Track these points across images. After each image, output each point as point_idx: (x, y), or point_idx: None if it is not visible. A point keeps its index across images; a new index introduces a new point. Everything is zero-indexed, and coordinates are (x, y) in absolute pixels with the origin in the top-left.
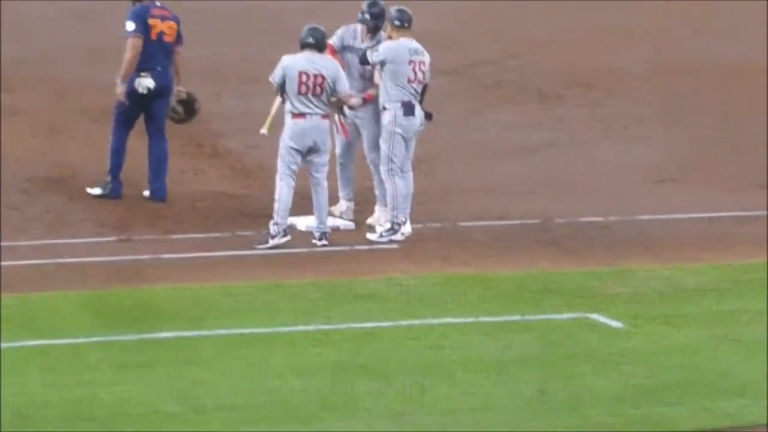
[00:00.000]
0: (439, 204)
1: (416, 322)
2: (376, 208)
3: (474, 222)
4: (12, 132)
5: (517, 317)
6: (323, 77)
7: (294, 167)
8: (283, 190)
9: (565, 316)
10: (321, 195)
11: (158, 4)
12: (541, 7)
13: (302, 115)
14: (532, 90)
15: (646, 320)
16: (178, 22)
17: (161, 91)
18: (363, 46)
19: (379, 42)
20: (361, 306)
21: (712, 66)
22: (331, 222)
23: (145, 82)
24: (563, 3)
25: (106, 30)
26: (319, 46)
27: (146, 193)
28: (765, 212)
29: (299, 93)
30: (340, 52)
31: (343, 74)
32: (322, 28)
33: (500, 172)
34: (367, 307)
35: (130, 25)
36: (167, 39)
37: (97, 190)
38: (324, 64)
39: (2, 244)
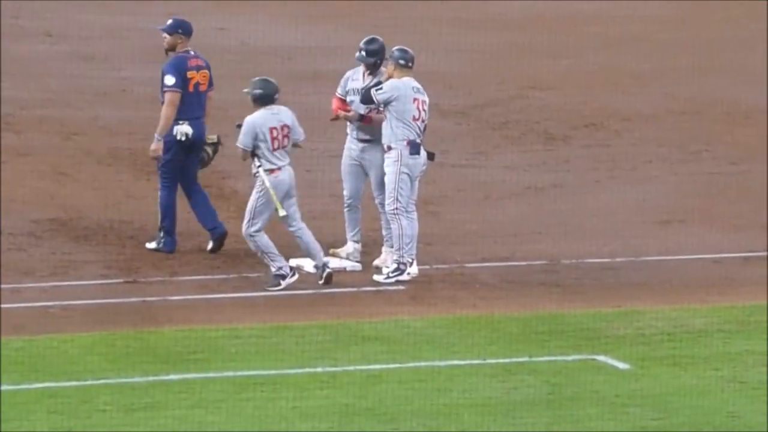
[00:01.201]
0: (445, 245)
1: (423, 364)
2: (384, 249)
3: (480, 263)
4: (18, 174)
5: (524, 359)
6: (288, 126)
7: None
8: (264, 239)
9: (571, 357)
10: (307, 236)
11: (192, 52)
12: (547, 48)
13: (279, 168)
14: (539, 131)
15: (653, 362)
16: (209, 68)
17: (196, 141)
18: (364, 85)
19: (379, 81)
20: (368, 348)
21: (718, 107)
22: (338, 263)
23: (184, 129)
24: (569, 44)
25: (112, 72)
26: (274, 96)
27: (210, 243)
28: None
29: (274, 149)
30: (344, 97)
31: (296, 121)
32: (273, 80)
33: (506, 213)
34: (374, 349)
35: (170, 80)
36: (202, 89)
37: (152, 245)
38: (283, 112)
39: (8, 286)
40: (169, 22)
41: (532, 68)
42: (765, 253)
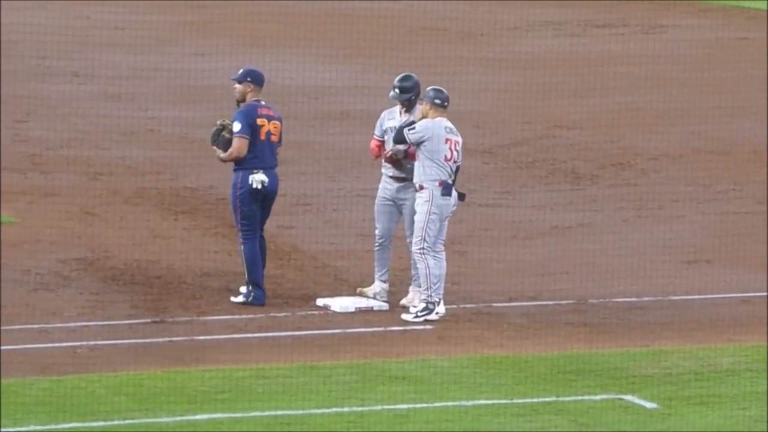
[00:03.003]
0: (472, 285)
1: (450, 404)
2: (411, 288)
3: (508, 303)
4: (46, 214)
5: (551, 399)
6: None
7: None
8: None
9: (599, 397)
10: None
11: (263, 103)
12: (575, 87)
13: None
14: (566, 170)
15: (680, 401)
16: (281, 121)
17: (270, 191)
18: (400, 122)
19: (413, 121)
20: (395, 388)
21: (745, 147)
22: (365, 303)
23: (259, 177)
24: (596, 84)
25: (139, 112)
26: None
27: (241, 297)
28: None
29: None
30: (382, 138)
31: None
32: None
33: (534, 252)
34: (401, 389)
35: (236, 126)
36: (273, 139)
37: (240, 299)
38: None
39: (36, 326)
40: (240, 71)
41: (558, 107)
42: None
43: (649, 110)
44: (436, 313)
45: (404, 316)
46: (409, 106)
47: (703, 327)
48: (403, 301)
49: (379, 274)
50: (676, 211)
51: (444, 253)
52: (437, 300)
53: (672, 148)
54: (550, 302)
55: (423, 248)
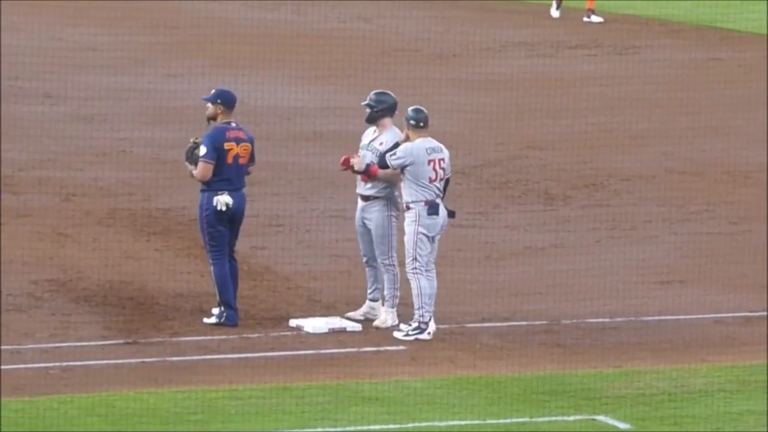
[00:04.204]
0: (445, 305)
1: (423, 425)
2: (382, 309)
3: (481, 324)
4: (18, 235)
5: (524, 420)
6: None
7: None
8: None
9: (572, 418)
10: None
11: (233, 124)
12: (548, 108)
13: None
14: (539, 191)
15: (653, 422)
16: (252, 142)
17: (237, 212)
18: (371, 138)
19: (396, 144)
20: (368, 409)
21: (718, 167)
22: (338, 324)
23: (224, 199)
24: (569, 105)
25: (112, 133)
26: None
27: (213, 317)
28: None
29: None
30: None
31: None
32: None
33: (507, 273)
34: (374, 410)
35: (203, 150)
36: (242, 161)
37: (212, 319)
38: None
39: (8, 347)
40: (212, 91)
41: (531, 128)
42: (765, 313)
43: (622, 131)
44: (428, 332)
45: (396, 334)
46: (369, 118)
47: (676, 347)
48: (376, 323)
49: (368, 291)
50: (649, 231)
51: (434, 271)
52: (428, 319)
53: (645, 169)
54: (523, 323)
55: (415, 268)
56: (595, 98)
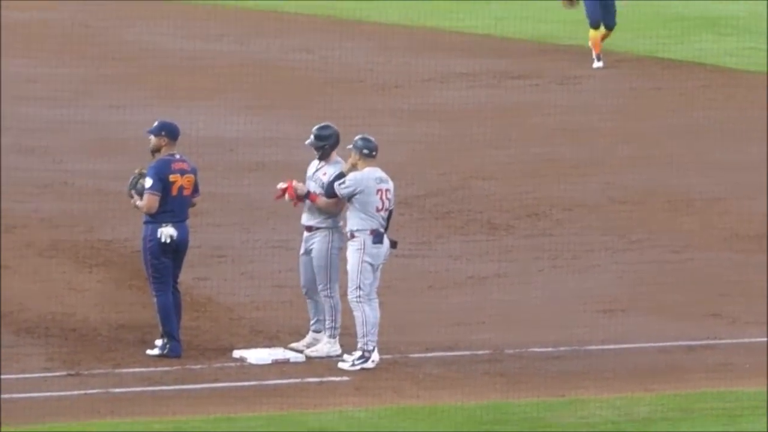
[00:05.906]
0: (389, 335)
1: None
2: (324, 339)
3: (424, 353)
4: None
5: None
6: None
7: None
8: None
9: None
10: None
11: (177, 156)
12: (490, 138)
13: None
14: (482, 220)
15: None
16: (195, 173)
17: (180, 243)
18: (315, 170)
19: (342, 173)
20: None
21: (660, 196)
22: (281, 354)
23: (168, 231)
24: (511, 135)
25: (53, 164)
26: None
27: (156, 349)
28: (715, 341)
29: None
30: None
31: None
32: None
33: (450, 302)
34: None
35: (148, 182)
36: (186, 193)
37: (155, 351)
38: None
39: None
40: (155, 123)
41: (474, 158)
42: (708, 341)
43: (564, 160)
44: (372, 360)
45: (341, 365)
46: (323, 154)
47: (619, 376)
48: (307, 351)
49: (311, 323)
50: (592, 260)
51: (377, 300)
52: (372, 348)
53: (587, 198)
54: (467, 352)
55: (359, 296)
56: (538, 128)
